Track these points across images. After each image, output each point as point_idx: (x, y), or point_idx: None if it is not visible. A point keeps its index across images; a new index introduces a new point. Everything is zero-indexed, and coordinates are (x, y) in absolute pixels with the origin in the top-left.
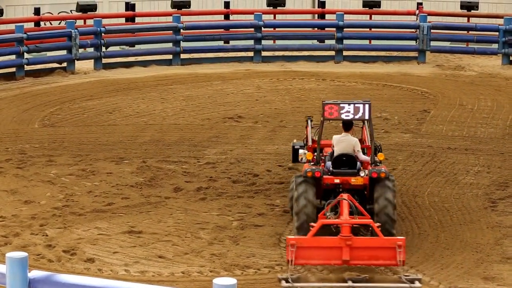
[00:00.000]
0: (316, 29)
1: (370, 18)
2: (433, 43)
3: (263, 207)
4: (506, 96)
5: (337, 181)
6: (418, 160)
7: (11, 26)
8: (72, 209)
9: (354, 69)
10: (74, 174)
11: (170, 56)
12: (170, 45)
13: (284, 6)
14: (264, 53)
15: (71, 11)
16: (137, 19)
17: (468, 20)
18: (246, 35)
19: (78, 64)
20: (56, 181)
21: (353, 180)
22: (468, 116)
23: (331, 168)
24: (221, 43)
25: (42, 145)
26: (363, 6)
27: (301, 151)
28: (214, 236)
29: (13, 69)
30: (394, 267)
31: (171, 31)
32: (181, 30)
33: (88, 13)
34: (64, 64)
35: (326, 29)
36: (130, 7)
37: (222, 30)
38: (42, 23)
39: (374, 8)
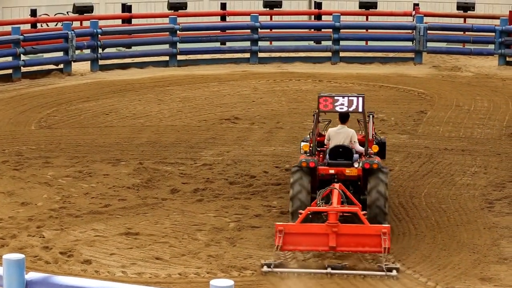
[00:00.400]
0: (312, 30)
1: (367, 19)
2: (429, 44)
3: (260, 208)
4: (502, 97)
5: (332, 171)
6: (415, 161)
7: (8, 28)
8: (69, 211)
9: (351, 70)
10: (70, 176)
11: (166, 58)
12: (166, 46)
13: (280, 7)
14: (260, 54)
15: (67, 12)
16: (134, 21)
17: (465, 21)
18: (242, 37)
19: (75, 66)
20: (53, 182)
21: (348, 171)
22: (465, 117)
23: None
24: (217, 44)
25: (38, 147)
26: (360, 7)
27: (302, 143)
28: (211, 238)
29: (10, 71)
30: (378, 256)
31: (168, 33)
32: (178, 32)
33: (85, 14)
34: (61, 66)
35: (322, 30)
36: (126, 8)
37: (219, 31)
38: (38, 25)
39: (370, 9)
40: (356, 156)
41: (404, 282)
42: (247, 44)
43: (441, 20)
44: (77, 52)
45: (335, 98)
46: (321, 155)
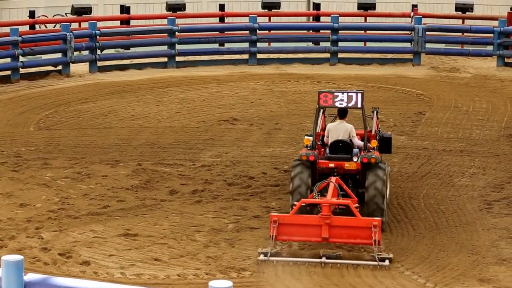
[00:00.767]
0: (311, 31)
1: (365, 20)
2: (428, 45)
3: (259, 209)
4: (501, 98)
5: (331, 165)
6: (414, 162)
7: (6, 29)
8: (67, 212)
9: (349, 71)
10: (69, 177)
11: (165, 59)
12: (165, 47)
13: (279, 8)
14: (259, 56)
15: (66, 14)
16: (132, 22)
17: (463, 22)
18: (241, 38)
19: (73, 67)
20: (51, 184)
21: (347, 165)
22: (463, 118)
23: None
24: (216, 45)
25: (37, 148)
26: (358, 8)
27: (305, 137)
28: (209, 239)
29: (8, 72)
30: (370, 247)
31: (166, 34)
32: (176, 33)
33: (83, 16)
34: (59, 67)
35: (321, 31)
36: (125, 9)
37: (217, 32)
38: (37, 26)
39: (369, 10)
40: (356, 150)
41: (403, 283)
42: (245, 45)
43: (440, 21)
44: (76, 53)
45: (335, 94)
46: (322, 150)
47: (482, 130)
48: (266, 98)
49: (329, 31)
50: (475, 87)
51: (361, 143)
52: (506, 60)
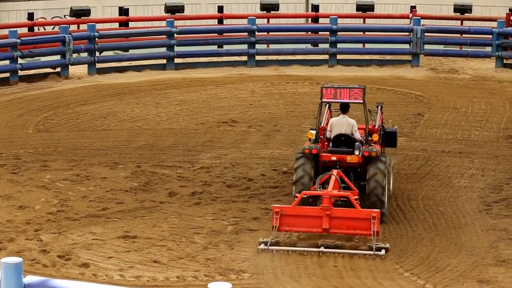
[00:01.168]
0: (309, 33)
1: (364, 21)
2: (426, 47)
3: (258, 211)
4: (500, 99)
5: (334, 158)
6: (413, 164)
7: (5, 31)
8: (66, 214)
9: (348, 73)
10: (68, 179)
11: (164, 61)
12: (164, 49)
13: (277, 10)
14: (258, 57)
15: (64, 16)
16: (131, 24)
17: (462, 23)
18: (239, 40)
19: (72, 69)
20: (50, 186)
21: (349, 158)
22: (462, 119)
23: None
24: (215, 47)
25: (36, 150)
26: (357, 10)
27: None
28: (208, 241)
29: (7, 74)
30: (369, 238)
31: (165, 36)
32: (175, 35)
33: (82, 18)
34: (58, 69)
35: (319, 33)
36: (123, 11)
37: (216, 34)
38: (35, 28)
39: (367, 12)
40: (358, 144)
41: (402, 284)
42: (244, 47)
43: (438, 22)
44: (75, 55)
45: (337, 89)
46: (326, 143)
47: (481, 131)
48: (265, 100)
49: (328, 33)
50: (474, 88)
51: (360, 137)
52: (504, 61)
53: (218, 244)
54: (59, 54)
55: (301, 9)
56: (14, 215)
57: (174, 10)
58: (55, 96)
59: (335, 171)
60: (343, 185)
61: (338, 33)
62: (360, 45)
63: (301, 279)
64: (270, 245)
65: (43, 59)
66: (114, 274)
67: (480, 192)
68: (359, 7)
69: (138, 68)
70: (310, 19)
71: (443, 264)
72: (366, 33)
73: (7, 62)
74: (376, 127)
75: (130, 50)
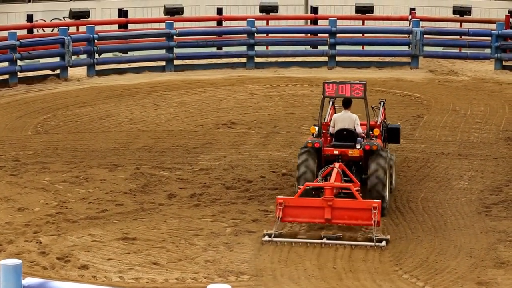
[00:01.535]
0: (309, 35)
1: (363, 23)
2: (426, 49)
3: (257, 213)
4: (499, 101)
5: (336, 152)
6: (412, 166)
7: (4, 33)
8: (66, 216)
9: (347, 75)
10: (67, 181)
11: (163, 63)
12: (163, 51)
13: (276, 12)
14: (257, 59)
15: (64, 18)
16: (130, 26)
17: (461, 25)
18: (239, 41)
19: (71, 71)
20: (49, 188)
21: (350, 152)
22: (461, 121)
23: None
24: (214, 49)
25: (35, 152)
26: (356, 12)
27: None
28: (208, 243)
29: (6, 76)
30: (370, 228)
31: (164, 38)
32: (174, 37)
33: (81, 20)
34: (57, 71)
35: (319, 34)
36: (123, 13)
37: (215, 36)
38: (35, 30)
39: (366, 14)
40: (359, 139)
41: (401, 286)
42: (243, 49)
43: (438, 24)
44: (74, 57)
45: (339, 85)
46: (328, 138)
47: (480, 133)
48: (264, 101)
49: (327, 35)
50: (473, 90)
51: (361, 131)
52: (504, 63)
53: (217, 246)
54: (58, 56)
55: (300, 11)
56: (13, 217)
57: (173, 12)
58: (54, 98)
59: (337, 164)
60: (345, 178)
61: (337, 35)
62: (359, 47)
63: (300, 281)
64: (274, 237)
65: (42, 61)
66: (113, 276)
67: (479, 194)
68: (358, 9)
69: (137, 70)
70: (309, 21)
71: (442, 266)
72: (365, 35)
73: (6, 64)
74: (378, 123)
75: (129, 52)
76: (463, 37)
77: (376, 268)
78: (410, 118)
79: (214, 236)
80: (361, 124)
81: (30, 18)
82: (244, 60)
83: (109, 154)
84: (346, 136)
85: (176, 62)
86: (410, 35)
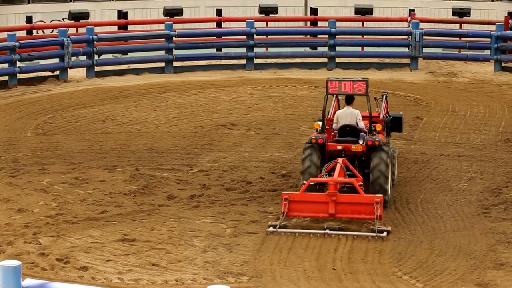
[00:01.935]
0: (308, 36)
1: (363, 25)
2: (425, 50)
3: (257, 214)
4: (498, 103)
5: (339, 147)
6: (411, 167)
7: (3, 35)
8: (65, 217)
9: (347, 76)
10: (67, 182)
11: (162, 64)
12: (162, 52)
13: (276, 13)
14: (256, 61)
15: (63, 19)
16: (130, 27)
17: (460, 27)
18: (238, 43)
19: (71, 72)
20: (49, 189)
21: (353, 147)
22: (461, 122)
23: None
24: (213, 50)
25: (35, 154)
26: (355, 13)
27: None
28: (207, 244)
29: (6, 78)
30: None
31: (164, 39)
32: (174, 38)
33: (80, 21)
34: (57, 72)
35: (318, 36)
36: (122, 15)
37: (215, 37)
38: (34, 32)
39: (366, 15)
40: (362, 134)
41: (401, 287)
42: (243, 50)
43: (437, 26)
44: (73, 58)
45: (342, 82)
46: (332, 133)
47: (480, 135)
48: (263, 103)
49: (327, 36)
50: (472, 92)
51: (363, 126)
52: (503, 64)
53: (217, 247)
54: (57, 57)
55: (299, 12)
56: (13, 218)
57: (172, 13)
58: (54, 99)
59: (340, 160)
60: (348, 172)
61: (337, 36)
62: (358, 49)
63: (300, 282)
64: (279, 227)
65: (41, 62)
66: (112, 277)
67: (478, 195)
68: (358, 11)
69: (137, 71)
70: (308, 22)
71: (441, 267)
72: (365, 36)
73: (5, 65)
74: (381, 116)
75: (128, 53)
76: (462, 38)
77: (375, 269)
78: (410, 119)
79: (213, 237)
80: (363, 116)
81: (29, 19)
82: (243, 61)
83: (109, 156)
84: (349, 132)
85: (175, 64)
86: (410, 37)
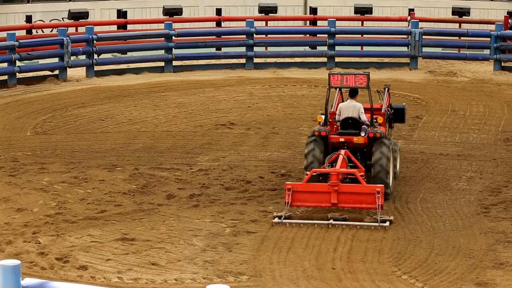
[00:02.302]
0: (308, 35)
1: (362, 24)
2: (425, 49)
3: (256, 213)
4: (498, 102)
5: (342, 139)
6: (411, 166)
7: (3, 34)
8: (64, 217)
9: None
10: (66, 182)
11: (162, 63)
12: (162, 52)
13: (275, 12)
14: (256, 60)
15: (62, 18)
16: (129, 26)
17: (460, 26)
18: (238, 42)
19: (70, 72)
20: (48, 188)
21: (355, 139)
22: (460, 122)
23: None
24: (213, 50)
25: (34, 153)
26: (355, 13)
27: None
28: (207, 243)
29: (5, 77)
30: (374, 212)
31: (163, 38)
32: (173, 37)
33: (80, 20)
34: (56, 72)
35: (318, 35)
36: (121, 14)
37: (214, 37)
38: (34, 31)
39: (366, 15)
40: (364, 126)
41: (400, 287)
42: (242, 49)
43: (437, 25)
44: (73, 58)
45: (344, 75)
46: (335, 126)
47: (479, 134)
48: (263, 102)
49: (326, 35)
50: (472, 91)
51: (366, 119)
52: (503, 64)
53: (217, 247)
54: (57, 57)
55: (299, 12)
56: (12, 217)
57: (172, 12)
58: (53, 99)
59: (342, 151)
60: (350, 164)
61: (336, 35)
62: (358, 48)
63: (299, 281)
64: (284, 218)
65: (41, 61)
66: (112, 277)
67: (478, 194)
68: (357, 10)
69: (136, 71)
70: (308, 22)
71: (441, 267)
72: (364, 35)
73: (5, 64)
74: (383, 110)
75: (128, 53)
76: (462, 38)
77: (375, 268)
78: (409, 118)
79: (213, 237)
80: (365, 109)
81: (29, 18)
82: (243, 60)
83: (108, 155)
84: (352, 124)
85: (175, 63)
86: (409, 36)
